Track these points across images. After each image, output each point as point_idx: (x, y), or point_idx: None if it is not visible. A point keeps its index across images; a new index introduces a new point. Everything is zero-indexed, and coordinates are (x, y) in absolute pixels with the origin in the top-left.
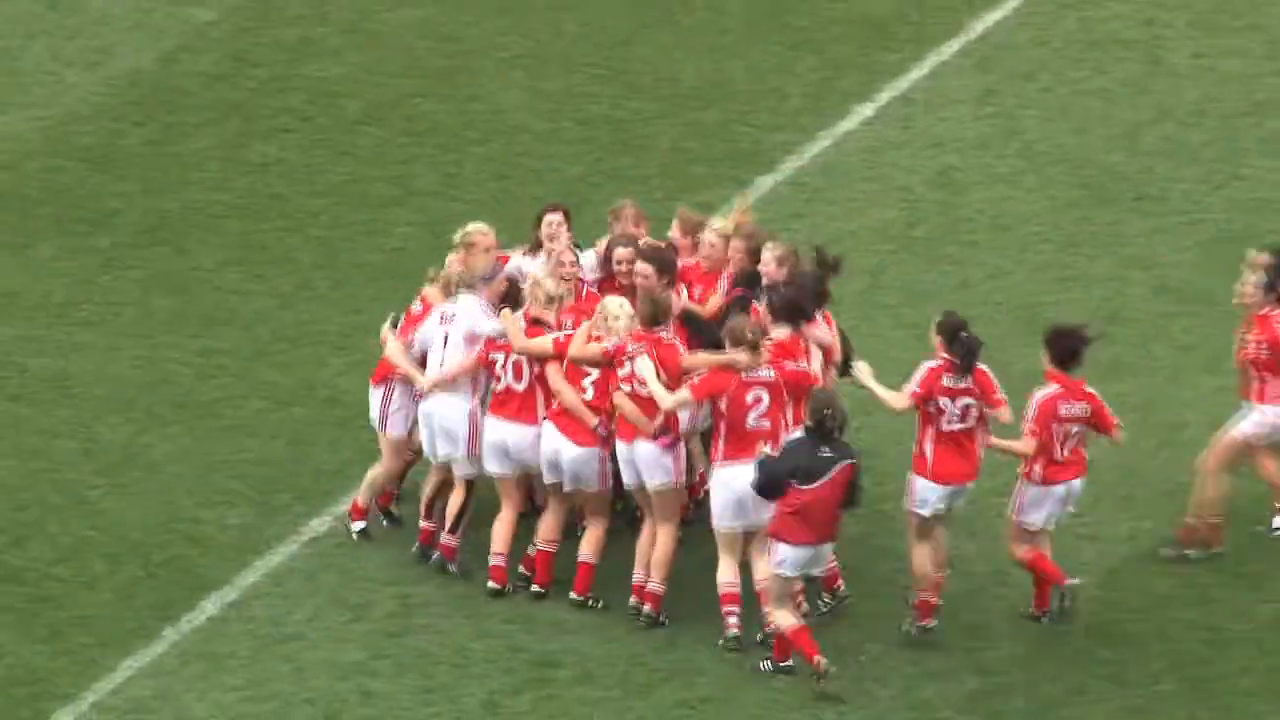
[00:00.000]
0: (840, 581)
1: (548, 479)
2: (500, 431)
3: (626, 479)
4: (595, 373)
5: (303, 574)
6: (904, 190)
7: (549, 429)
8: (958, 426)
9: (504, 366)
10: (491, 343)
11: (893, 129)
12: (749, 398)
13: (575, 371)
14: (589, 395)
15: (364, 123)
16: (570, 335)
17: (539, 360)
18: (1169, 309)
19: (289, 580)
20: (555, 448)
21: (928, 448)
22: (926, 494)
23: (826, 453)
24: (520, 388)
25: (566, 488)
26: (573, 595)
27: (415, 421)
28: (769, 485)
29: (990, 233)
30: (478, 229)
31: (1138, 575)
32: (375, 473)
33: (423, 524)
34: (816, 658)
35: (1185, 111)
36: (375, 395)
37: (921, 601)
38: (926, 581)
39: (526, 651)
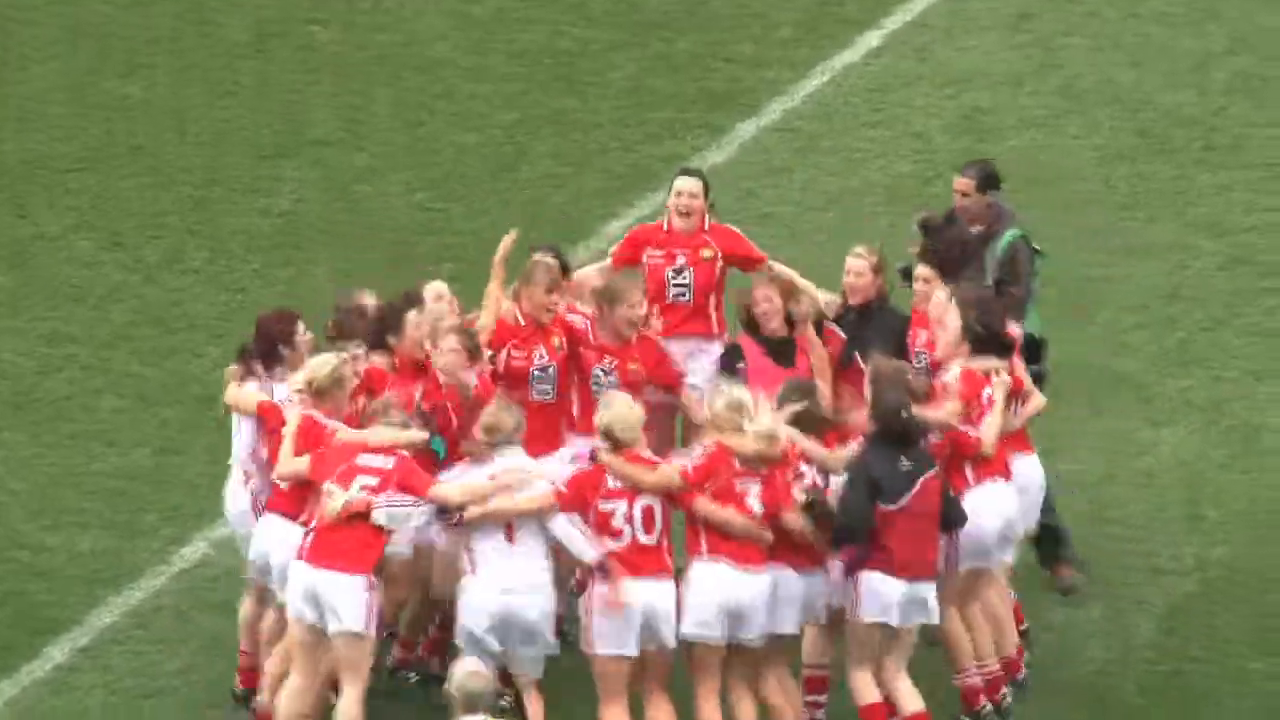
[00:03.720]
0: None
1: (716, 637)
2: (643, 596)
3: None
4: (756, 485)
5: (172, 613)
6: (919, 138)
7: (719, 571)
8: None
9: (627, 518)
10: (581, 492)
11: (905, 62)
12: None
13: (729, 492)
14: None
15: (246, 54)
16: (710, 456)
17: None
18: (1246, 285)
19: (156, 621)
20: (731, 591)
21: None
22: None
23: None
24: (651, 541)
25: (750, 636)
26: None
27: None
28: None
29: (1025, 190)
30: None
31: (1206, 614)
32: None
33: None
34: None
35: (1265, 41)
36: (350, 589)
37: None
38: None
39: None
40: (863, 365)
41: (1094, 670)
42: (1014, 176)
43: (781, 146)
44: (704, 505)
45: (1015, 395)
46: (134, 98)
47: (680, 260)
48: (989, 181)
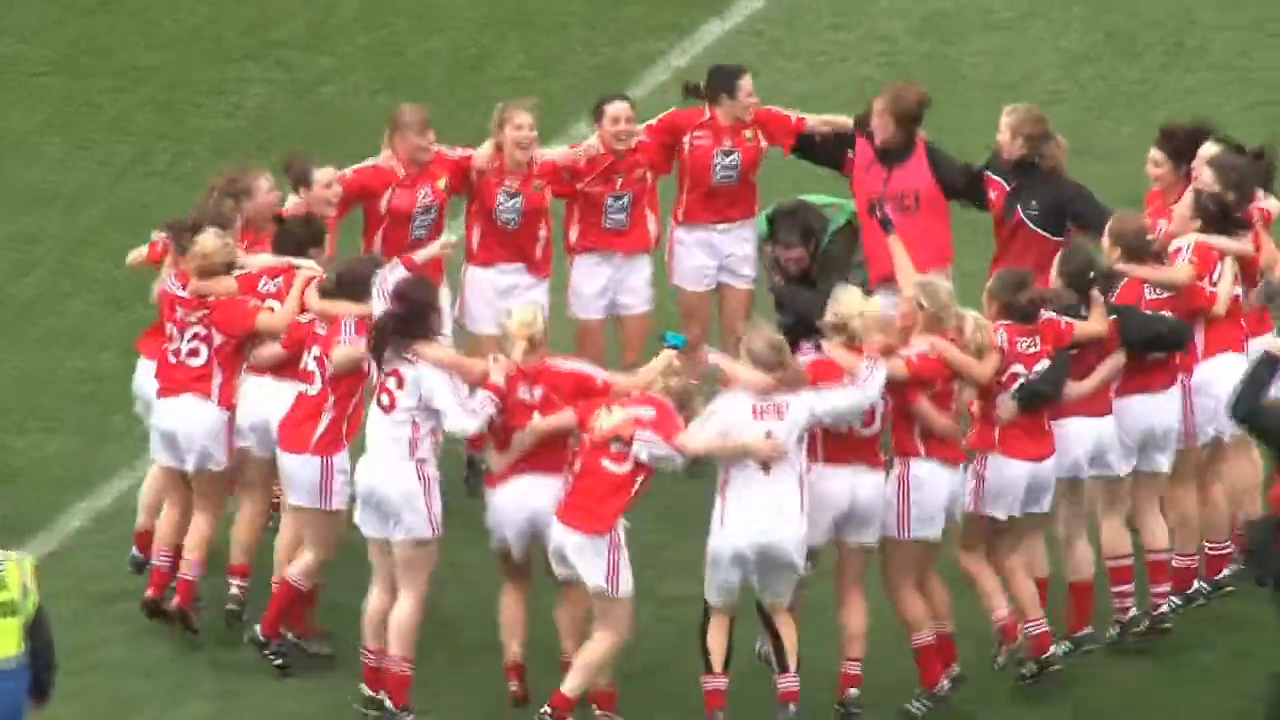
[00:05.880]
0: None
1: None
2: (848, 485)
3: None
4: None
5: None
6: (883, 40)
7: (939, 471)
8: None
9: None
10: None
11: None
12: None
13: (947, 394)
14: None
15: None
16: (930, 357)
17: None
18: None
19: (121, 524)
20: (948, 488)
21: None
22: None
23: None
24: (868, 433)
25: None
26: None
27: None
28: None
29: (990, 92)
30: None
31: None
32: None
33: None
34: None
35: None
36: (591, 550)
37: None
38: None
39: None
40: (1024, 216)
41: None
42: (979, 79)
43: (746, 49)
44: (924, 406)
45: (1253, 270)
46: (101, 0)
47: (728, 142)
48: None
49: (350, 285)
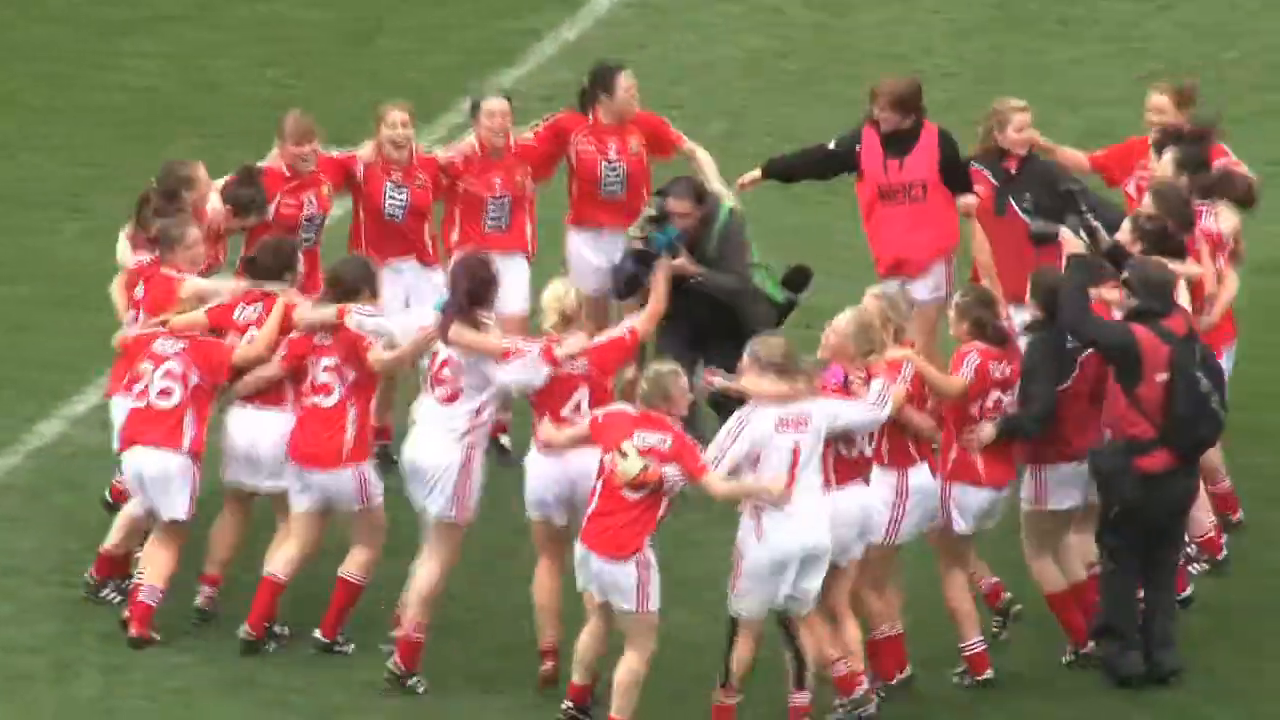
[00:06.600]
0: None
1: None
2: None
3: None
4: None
5: (25, 492)
6: (773, 11)
7: (927, 474)
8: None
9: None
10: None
11: None
12: None
13: (923, 398)
14: None
15: None
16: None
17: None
18: None
19: (7, 500)
20: (935, 491)
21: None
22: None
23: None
24: (867, 451)
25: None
26: None
27: None
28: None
29: (879, 64)
30: None
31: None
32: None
33: None
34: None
35: None
36: (621, 573)
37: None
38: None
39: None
40: (1017, 208)
41: None
42: (869, 51)
43: (636, 20)
44: (912, 414)
45: (1200, 295)
46: None
47: (613, 151)
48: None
49: (354, 285)
